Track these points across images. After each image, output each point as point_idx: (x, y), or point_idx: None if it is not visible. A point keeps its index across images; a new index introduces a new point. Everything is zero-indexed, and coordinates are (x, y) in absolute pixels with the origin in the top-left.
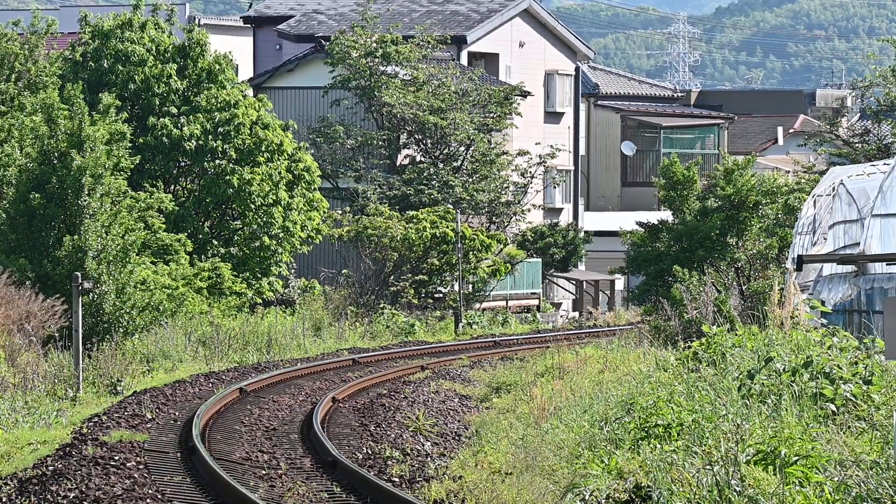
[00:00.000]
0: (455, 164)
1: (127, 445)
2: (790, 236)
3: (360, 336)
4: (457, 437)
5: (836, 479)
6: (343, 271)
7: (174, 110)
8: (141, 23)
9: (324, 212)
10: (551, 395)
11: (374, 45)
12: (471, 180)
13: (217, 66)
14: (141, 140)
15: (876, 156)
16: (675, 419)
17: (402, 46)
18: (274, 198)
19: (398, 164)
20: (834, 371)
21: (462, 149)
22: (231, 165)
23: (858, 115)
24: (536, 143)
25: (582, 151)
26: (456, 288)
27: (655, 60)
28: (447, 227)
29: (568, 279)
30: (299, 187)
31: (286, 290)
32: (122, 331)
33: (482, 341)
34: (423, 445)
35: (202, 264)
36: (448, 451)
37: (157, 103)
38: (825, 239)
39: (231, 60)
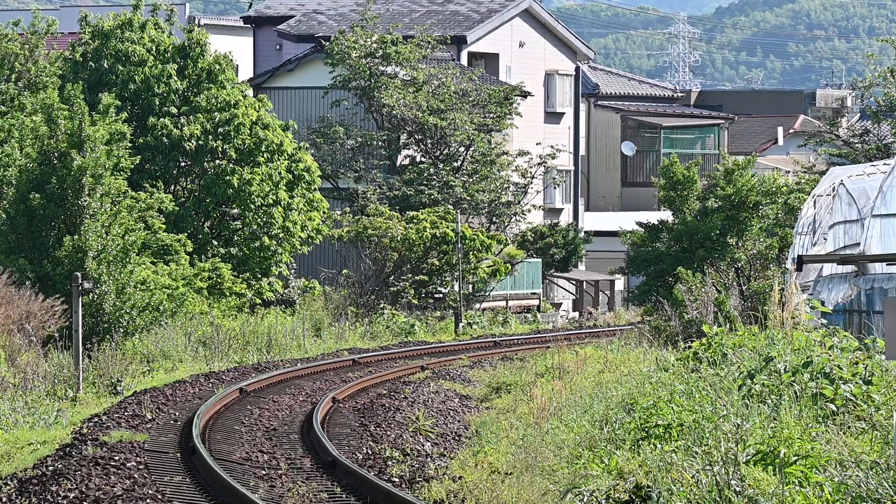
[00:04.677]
0: (455, 164)
1: (127, 445)
2: (790, 236)
3: (360, 336)
4: (457, 438)
5: (836, 479)
6: (343, 271)
7: (174, 110)
8: (141, 23)
9: (324, 212)
10: (551, 395)
11: (374, 45)
12: (471, 180)
13: (217, 67)
14: (141, 140)
15: (876, 156)
16: (676, 419)
17: (402, 46)
18: (274, 198)
19: (398, 164)
20: (834, 371)
21: (462, 149)
22: (231, 165)
23: (858, 115)
24: (537, 144)
25: (582, 151)
26: (456, 288)
27: (655, 60)
28: (447, 228)
29: (568, 279)
30: (299, 187)
31: (286, 291)
32: (122, 331)
33: (482, 341)
34: (423, 445)
35: (202, 264)
36: (448, 452)
37: (157, 103)
38: (825, 239)
39: (231, 60)
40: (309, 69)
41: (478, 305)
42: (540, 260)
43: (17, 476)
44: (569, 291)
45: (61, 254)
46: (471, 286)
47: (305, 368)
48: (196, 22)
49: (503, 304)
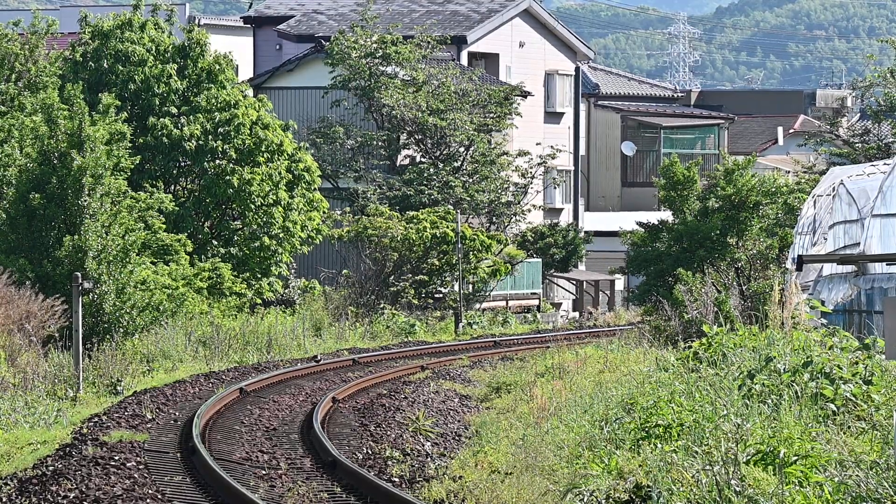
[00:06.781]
0: (455, 164)
1: (127, 445)
2: (790, 236)
3: (360, 336)
4: (457, 437)
5: (836, 479)
6: (343, 271)
7: (174, 110)
8: (141, 23)
9: (324, 212)
10: (551, 395)
11: (374, 45)
12: (471, 181)
13: (217, 67)
14: (141, 140)
15: (876, 156)
16: (676, 419)
17: (402, 46)
18: (274, 198)
19: (398, 164)
20: (834, 371)
21: (462, 149)
22: (231, 165)
23: (858, 115)
24: (537, 144)
25: (582, 151)
26: (456, 288)
27: (655, 60)
28: (447, 228)
29: (568, 279)
30: (299, 187)
31: (286, 291)
32: (122, 331)
33: (482, 341)
34: (423, 445)
35: (202, 264)
36: (448, 451)
37: (157, 103)
38: (825, 239)
39: (231, 60)
40: (309, 69)
41: (478, 305)
42: (540, 260)
43: (17, 476)
44: (569, 291)
45: (61, 254)
46: (471, 286)
47: (305, 368)
48: (196, 22)
49: (503, 304)
